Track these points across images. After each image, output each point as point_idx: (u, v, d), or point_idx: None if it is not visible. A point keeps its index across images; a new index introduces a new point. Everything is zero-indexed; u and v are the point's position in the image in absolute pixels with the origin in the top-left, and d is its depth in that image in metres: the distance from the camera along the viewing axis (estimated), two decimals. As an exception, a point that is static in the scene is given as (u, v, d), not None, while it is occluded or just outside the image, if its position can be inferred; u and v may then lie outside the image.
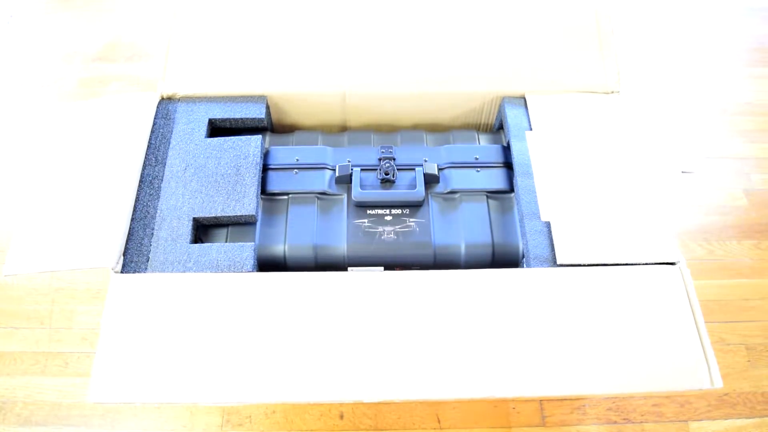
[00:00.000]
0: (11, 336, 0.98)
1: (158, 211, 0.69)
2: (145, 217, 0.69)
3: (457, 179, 0.74)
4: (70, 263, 0.63)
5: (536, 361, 0.57)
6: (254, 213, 0.69)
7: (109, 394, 0.56)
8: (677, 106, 1.31)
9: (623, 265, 0.64)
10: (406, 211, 0.72)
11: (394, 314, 0.60)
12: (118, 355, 0.58)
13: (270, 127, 0.83)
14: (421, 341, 0.58)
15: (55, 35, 1.43)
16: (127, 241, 0.66)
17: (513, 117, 0.78)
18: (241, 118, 0.78)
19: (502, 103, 0.80)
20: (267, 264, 0.70)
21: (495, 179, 0.75)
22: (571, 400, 0.92)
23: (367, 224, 0.71)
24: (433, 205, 0.73)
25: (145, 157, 0.73)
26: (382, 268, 0.69)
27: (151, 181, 0.71)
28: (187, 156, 0.73)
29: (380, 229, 0.71)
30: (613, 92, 0.80)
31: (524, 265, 0.68)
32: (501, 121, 0.81)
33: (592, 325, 0.59)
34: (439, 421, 0.90)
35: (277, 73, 0.81)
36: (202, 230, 0.72)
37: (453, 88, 0.81)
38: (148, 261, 0.65)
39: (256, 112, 0.78)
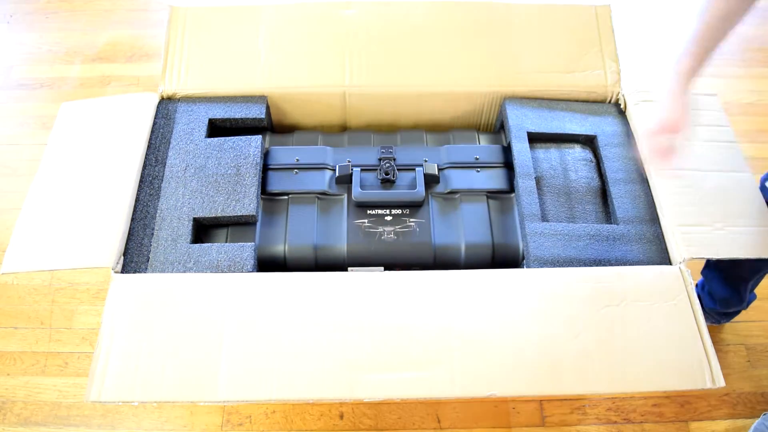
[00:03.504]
0: (11, 336, 0.98)
1: (158, 211, 0.69)
2: (145, 217, 0.68)
3: (458, 179, 0.74)
4: (69, 263, 0.63)
5: (536, 361, 0.57)
6: (254, 213, 0.69)
7: (108, 393, 0.56)
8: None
9: (623, 265, 0.65)
10: (407, 211, 0.72)
11: (394, 314, 0.60)
12: (118, 354, 0.57)
13: (270, 127, 0.83)
14: (421, 341, 0.58)
15: (55, 35, 1.43)
16: (127, 241, 0.66)
17: (514, 118, 0.77)
18: (241, 118, 0.78)
19: (503, 103, 0.80)
20: (267, 264, 0.70)
21: (495, 179, 0.75)
22: (571, 400, 0.92)
23: (367, 224, 0.71)
24: (433, 205, 0.73)
25: (145, 157, 0.73)
26: (382, 268, 0.69)
27: (151, 181, 0.71)
28: (187, 156, 0.73)
29: (380, 229, 0.70)
30: (613, 92, 0.80)
31: (524, 267, 0.68)
32: (502, 121, 0.81)
33: (592, 325, 0.59)
34: (439, 421, 0.90)
35: (277, 73, 0.80)
36: (203, 230, 0.72)
37: (453, 88, 0.81)
38: (148, 261, 0.65)
39: (256, 112, 0.78)
